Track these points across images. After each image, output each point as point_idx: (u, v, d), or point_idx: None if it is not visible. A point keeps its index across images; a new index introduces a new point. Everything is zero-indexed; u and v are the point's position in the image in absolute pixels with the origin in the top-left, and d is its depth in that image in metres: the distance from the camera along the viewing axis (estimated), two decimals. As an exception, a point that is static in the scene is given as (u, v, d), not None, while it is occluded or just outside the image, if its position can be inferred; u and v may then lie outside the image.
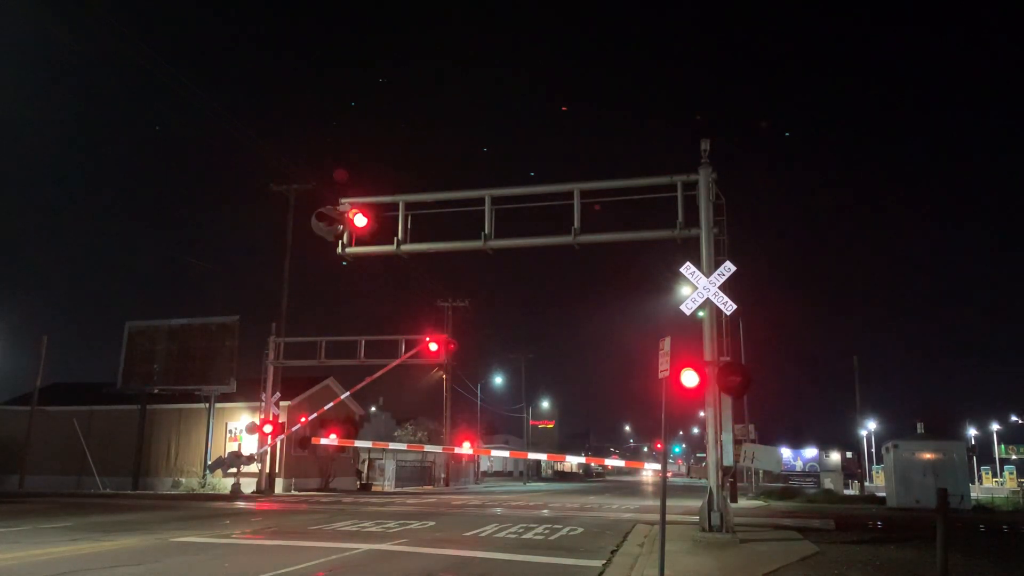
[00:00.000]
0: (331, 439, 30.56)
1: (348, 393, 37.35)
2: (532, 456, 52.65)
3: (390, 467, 44.87)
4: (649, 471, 72.61)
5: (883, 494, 34.91)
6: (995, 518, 23.89)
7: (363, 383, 33.05)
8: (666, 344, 10.84)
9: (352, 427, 40.54)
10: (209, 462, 33.73)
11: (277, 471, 33.76)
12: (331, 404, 33.07)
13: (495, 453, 51.23)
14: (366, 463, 43.26)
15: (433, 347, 30.58)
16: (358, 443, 38.59)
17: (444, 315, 48.78)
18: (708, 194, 15.30)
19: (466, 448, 38.73)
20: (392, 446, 40.22)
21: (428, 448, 45.29)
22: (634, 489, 49.72)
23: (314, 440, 31.59)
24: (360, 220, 17.79)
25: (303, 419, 31.71)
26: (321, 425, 38.06)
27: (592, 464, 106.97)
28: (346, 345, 31.64)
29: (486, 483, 57.29)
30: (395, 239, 17.74)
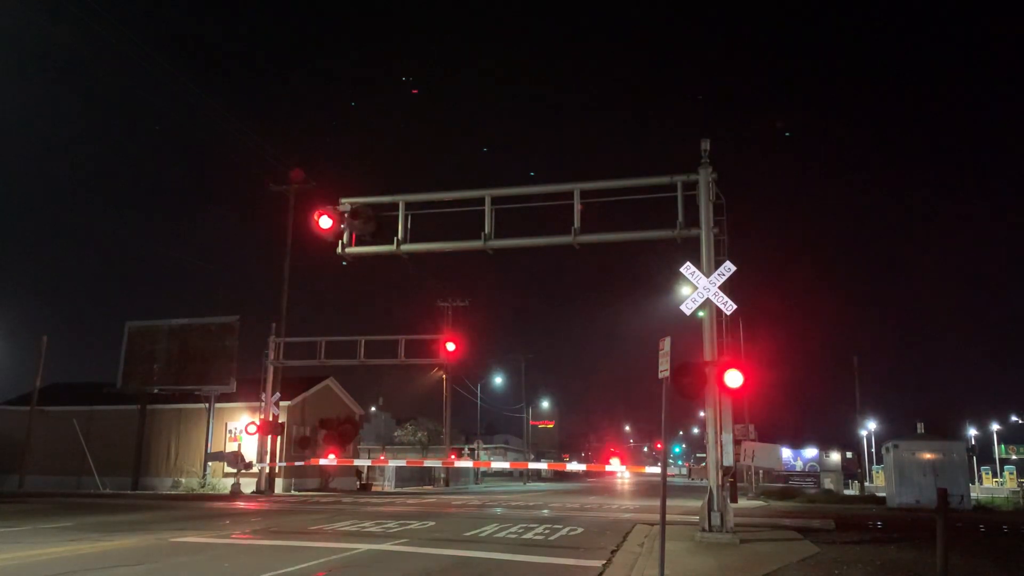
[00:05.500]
0: (330, 459, 31.34)
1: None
2: (533, 466, 52.89)
3: (390, 467, 44.89)
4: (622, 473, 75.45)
5: (883, 494, 34.88)
6: (995, 518, 23.86)
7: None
8: (666, 344, 10.84)
9: (352, 428, 40.59)
10: (209, 461, 33.82)
11: (277, 471, 33.76)
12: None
13: (495, 465, 51.50)
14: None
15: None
16: (357, 462, 38.93)
17: (444, 315, 48.79)
18: (708, 194, 15.28)
19: (466, 462, 39.38)
20: (391, 462, 40.39)
21: (428, 463, 45.54)
22: (630, 490, 49.72)
23: (313, 461, 31.94)
24: (359, 220, 17.78)
25: (311, 461, 32.44)
26: (322, 426, 38.15)
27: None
28: (346, 345, 31.70)
29: (486, 483, 57.25)
30: (395, 239, 17.72)
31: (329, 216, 17.73)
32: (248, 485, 31.64)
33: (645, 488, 50.25)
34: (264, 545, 13.14)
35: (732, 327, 15.46)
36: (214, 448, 34.33)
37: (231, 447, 34.27)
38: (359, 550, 12.16)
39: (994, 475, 71.96)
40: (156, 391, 35.43)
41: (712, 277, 14.49)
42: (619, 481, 70.63)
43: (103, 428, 36.24)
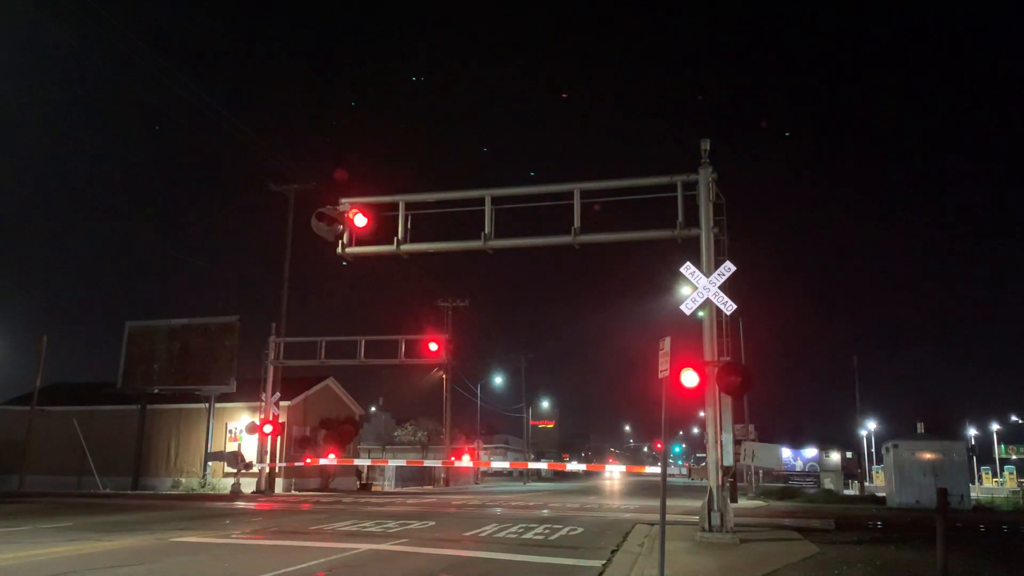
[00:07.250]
0: (330, 459, 31.53)
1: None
2: (533, 466, 52.83)
3: (390, 467, 44.91)
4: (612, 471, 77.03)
5: (883, 494, 34.87)
6: (995, 518, 23.85)
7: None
8: (666, 344, 10.84)
9: (352, 427, 40.58)
10: (209, 460, 33.82)
11: (277, 471, 33.76)
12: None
13: (495, 464, 51.36)
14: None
15: (433, 347, 30.79)
16: (357, 462, 38.99)
17: (444, 315, 48.79)
18: (708, 194, 15.28)
19: (465, 461, 39.44)
20: (391, 462, 40.48)
21: (428, 463, 45.56)
22: (628, 490, 49.71)
23: (312, 461, 31.97)
24: (360, 220, 17.78)
25: (308, 459, 32.51)
26: (322, 426, 38.14)
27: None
28: (346, 345, 31.66)
29: (486, 483, 57.24)
30: (395, 239, 17.72)
31: (329, 216, 17.73)
32: (248, 485, 31.63)
33: (644, 488, 50.24)
34: (264, 545, 13.15)
35: (732, 327, 15.40)
36: (214, 448, 34.34)
37: (231, 447, 34.27)
38: (359, 550, 12.16)
39: (994, 475, 71.95)
40: (156, 391, 35.42)
41: (712, 277, 14.49)
42: (608, 481, 70.55)
43: (103, 428, 36.22)
